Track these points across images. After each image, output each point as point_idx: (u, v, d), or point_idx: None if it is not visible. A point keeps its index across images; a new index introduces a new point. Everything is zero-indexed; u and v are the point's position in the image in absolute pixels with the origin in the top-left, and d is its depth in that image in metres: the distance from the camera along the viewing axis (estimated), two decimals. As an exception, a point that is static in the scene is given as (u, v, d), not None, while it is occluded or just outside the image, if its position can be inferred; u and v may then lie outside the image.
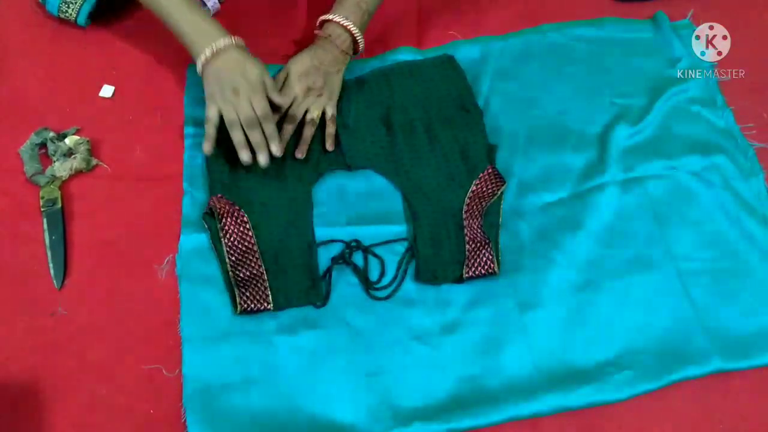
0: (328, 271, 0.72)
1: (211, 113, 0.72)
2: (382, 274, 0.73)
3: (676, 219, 0.77)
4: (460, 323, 0.70)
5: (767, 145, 0.83)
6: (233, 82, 0.70)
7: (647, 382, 0.67)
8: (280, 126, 0.76)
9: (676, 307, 0.71)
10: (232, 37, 0.72)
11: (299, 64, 0.78)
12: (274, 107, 0.74)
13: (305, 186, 0.76)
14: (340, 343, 0.68)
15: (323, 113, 0.79)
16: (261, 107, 0.71)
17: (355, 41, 0.79)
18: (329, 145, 0.78)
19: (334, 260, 0.72)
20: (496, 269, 0.71)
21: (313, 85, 0.78)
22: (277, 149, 0.72)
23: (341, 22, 0.77)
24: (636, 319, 0.71)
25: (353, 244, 0.74)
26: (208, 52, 0.70)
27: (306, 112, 0.78)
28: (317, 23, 0.80)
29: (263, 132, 0.72)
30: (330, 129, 0.79)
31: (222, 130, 0.79)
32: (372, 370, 0.67)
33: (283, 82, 0.79)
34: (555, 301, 0.71)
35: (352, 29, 0.78)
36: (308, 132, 0.78)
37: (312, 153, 0.79)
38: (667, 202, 0.78)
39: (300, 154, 0.77)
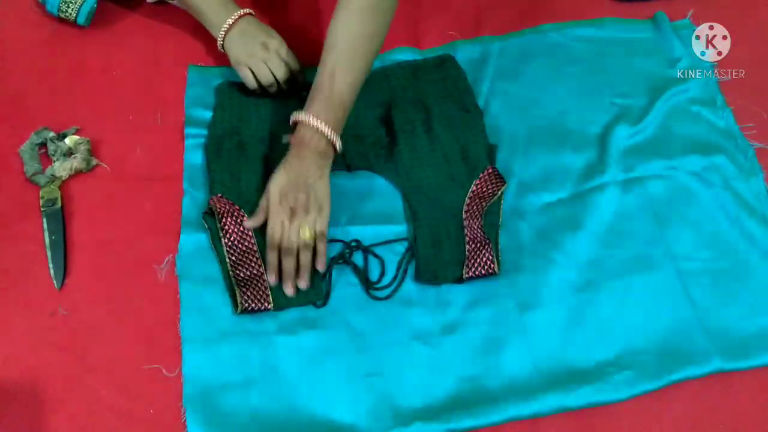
0: (328, 270, 0.72)
1: (245, 74, 0.79)
2: (382, 274, 0.73)
3: (676, 219, 0.77)
4: (460, 323, 0.70)
5: (767, 145, 0.83)
6: (258, 39, 0.78)
7: (647, 382, 0.67)
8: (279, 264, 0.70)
9: (676, 307, 0.71)
10: (243, 10, 0.79)
11: (276, 185, 0.69)
12: (263, 239, 0.70)
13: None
14: (340, 343, 0.68)
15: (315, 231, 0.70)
16: (294, 63, 0.80)
17: (330, 142, 0.70)
18: (319, 265, 0.70)
19: (334, 260, 0.72)
20: (496, 269, 0.71)
21: (295, 203, 0.69)
22: (290, 288, 0.69)
23: (313, 124, 0.69)
24: (636, 319, 0.71)
25: (353, 244, 0.74)
26: (230, 21, 0.78)
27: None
28: (290, 122, 0.71)
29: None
30: (320, 247, 0.70)
31: (222, 130, 0.79)
32: (372, 370, 0.67)
33: (266, 210, 0.70)
34: (555, 301, 0.71)
35: (324, 130, 0.69)
36: (305, 258, 0.69)
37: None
38: (667, 202, 0.78)
39: (303, 283, 0.69)
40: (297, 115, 0.70)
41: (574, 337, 0.69)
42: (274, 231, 0.69)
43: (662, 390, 0.67)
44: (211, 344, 0.67)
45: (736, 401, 0.68)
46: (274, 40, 0.79)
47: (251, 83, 0.79)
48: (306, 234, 0.69)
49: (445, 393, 0.66)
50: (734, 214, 0.77)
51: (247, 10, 0.80)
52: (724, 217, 0.77)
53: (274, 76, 0.79)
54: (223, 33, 0.79)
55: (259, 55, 0.78)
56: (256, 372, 0.66)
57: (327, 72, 0.69)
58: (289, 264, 0.69)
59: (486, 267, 0.71)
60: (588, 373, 0.67)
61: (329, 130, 0.69)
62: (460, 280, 0.71)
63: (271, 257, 0.69)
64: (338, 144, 0.70)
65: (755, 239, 0.76)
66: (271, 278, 0.69)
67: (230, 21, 0.78)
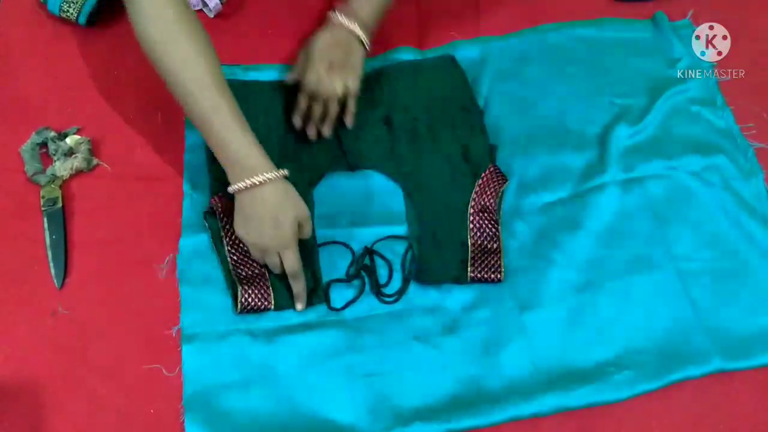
0: (337, 281, 0.72)
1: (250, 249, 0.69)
2: (390, 276, 0.73)
3: (676, 219, 0.77)
4: (460, 323, 0.70)
5: (767, 145, 0.83)
6: (264, 233, 0.65)
7: (647, 382, 0.67)
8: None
9: (676, 307, 0.71)
10: (276, 171, 0.65)
11: (319, 41, 0.77)
12: (298, 89, 0.78)
13: (306, 186, 0.76)
14: (340, 343, 0.68)
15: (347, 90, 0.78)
16: (290, 265, 0.67)
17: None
18: (348, 121, 0.78)
19: (351, 276, 0.72)
20: (500, 277, 0.71)
21: (334, 59, 0.76)
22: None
23: (345, 24, 0.76)
24: (636, 319, 0.71)
25: (360, 252, 0.73)
26: (242, 185, 0.64)
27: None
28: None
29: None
30: (350, 105, 0.78)
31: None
32: (372, 370, 0.67)
33: (305, 63, 0.78)
34: (555, 302, 0.71)
35: (356, 31, 0.76)
36: (334, 108, 0.77)
37: (313, 153, 0.79)
38: (667, 202, 0.78)
39: (327, 131, 0.77)
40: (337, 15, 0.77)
41: (574, 337, 0.69)
42: (310, 78, 0.76)
43: (662, 390, 0.67)
44: (211, 344, 0.67)
45: (736, 401, 0.68)
46: (276, 234, 0.65)
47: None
48: (338, 88, 0.76)
49: (445, 393, 0.66)
50: (734, 214, 0.77)
51: (281, 173, 0.66)
52: (724, 217, 0.77)
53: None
54: (233, 191, 0.66)
55: (259, 247, 0.67)
56: (256, 372, 0.66)
57: None
58: (318, 110, 0.77)
59: (492, 271, 0.71)
60: (588, 373, 0.67)
61: (359, 30, 0.76)
62: (459, 280, 0.71)
63: (302, 102, 0.78)
64: (366, 43, 0.78)
65: (755, 239, 0.76)
66: (297, 120, 0.78)
67: (244, 185, 0.64)
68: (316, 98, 0.77)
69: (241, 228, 0.67)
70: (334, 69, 0.76)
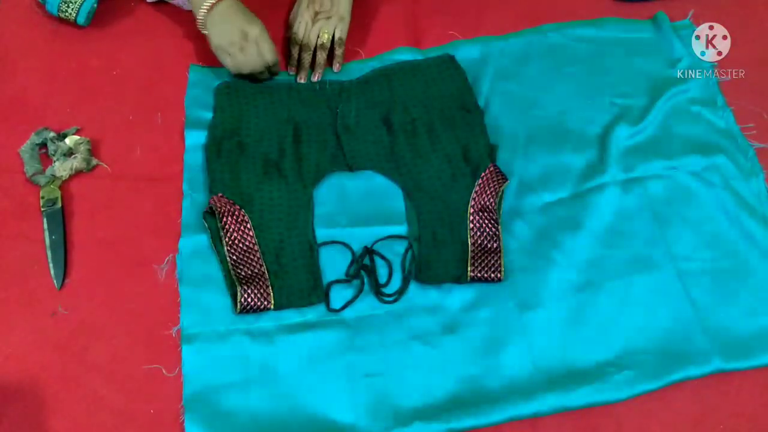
0: (336, 283, 0.72)
1: (223, 60, 0.79)
2: (390, 275, 0.73)
3: (676, 219, 0.77)
4: (460, 323, 0.70)
5: (767, 145, 0.83)
6: (238, 25, 0.76)
7: (647, 382, 0.67)
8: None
9: (676, 307, 0.71)
10: None
11: None
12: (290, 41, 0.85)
13: (306, 187, 0.76)
14: (339, 343, 0.68)
15: (333, 36, 0.83)
16: (270, 55, 0.78)
17: None
18: (336, 67, 0.85)
19: (351, 276, 0.72)
20: (501, 276, 0.71)
21: (320, 8, 0.83)
22: (302, 77, 0.84)
23: None
24: (636, 319, 0.71)
25: (360, 252, 0.73)
26: (207, 4, 0.75)
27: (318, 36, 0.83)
28: None
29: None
30: (338, 51, 0.84)
31: (223, 131, 0.79)
32: (372, 370, 0.67)
33: (294, 12, 0.85)
34: (555, 301, 0.71)
35: None
36: (321, 57, 0.83)
37: (313, 153, 0.79)
38: (667, 202, 0.78)
39: (315, 77, 0.84)
40: None
41: (574, 337, 0.69)
42: (298, 29, 0.84)
43: (662, 390, 0.67)
44: (211, 344, 0.67)
45: (736, 401, 0.68)
46: (254, 28, 0.76)
47: (230, 69, 0.80)
48: (324, 36, 0.82)
49: (445, 393, 0.66)
50: (734, 214, 0.77)
51: None
52: (724, 217, 0.77)
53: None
54: (205, 10, 0.76)
55: (237, 44, 0.77)
56: (256, 372, 0.66)
57: None
58: (306, 59, 0.84)
59: (492, 270, 0.71)
60: (588, 373, 0.67)
61: None
62: (459, 279, 0.71)
63: (293, 51, 0.85)
64: None
65: (755, 239, 0.76)
66: (291, 69, 0.85)
67: (208, 4, 0.75)
68: (305, 49, 0.83)
69: (222, 47, 0.77)
70: (319, 18, 0.82)
